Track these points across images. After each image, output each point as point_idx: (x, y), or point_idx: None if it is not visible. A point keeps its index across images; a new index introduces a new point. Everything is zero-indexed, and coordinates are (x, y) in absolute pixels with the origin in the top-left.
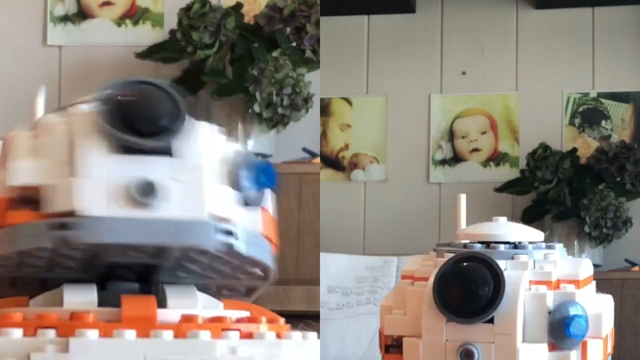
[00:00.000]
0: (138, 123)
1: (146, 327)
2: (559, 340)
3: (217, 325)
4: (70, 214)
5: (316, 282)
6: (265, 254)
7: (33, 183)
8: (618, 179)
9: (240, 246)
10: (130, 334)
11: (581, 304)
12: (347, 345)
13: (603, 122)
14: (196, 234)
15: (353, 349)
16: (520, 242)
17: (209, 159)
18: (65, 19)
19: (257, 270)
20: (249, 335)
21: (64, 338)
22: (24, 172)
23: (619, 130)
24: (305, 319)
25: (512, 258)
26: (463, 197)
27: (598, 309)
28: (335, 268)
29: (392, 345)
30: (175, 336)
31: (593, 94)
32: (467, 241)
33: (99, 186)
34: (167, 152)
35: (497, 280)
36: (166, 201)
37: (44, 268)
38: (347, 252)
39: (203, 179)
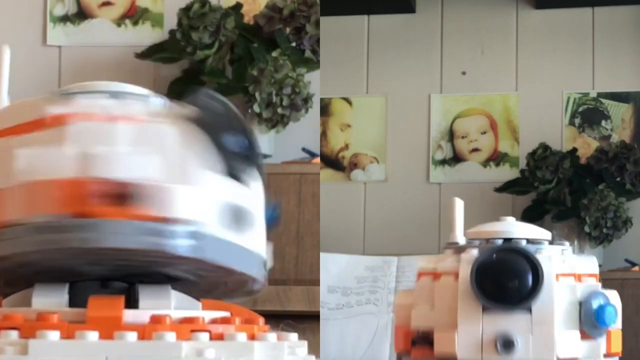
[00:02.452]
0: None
1: (111, 329)
2: (591, 329)
3: (186, 326)
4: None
5: (316, 282)
6: None
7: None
8: (618, 179)
9: None
10: (92, 335)
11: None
12: (347, 345)
13: (603, 122)
14: None
15: (353, 349)
16: (535, 239)
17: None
18: (65, 19)
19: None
20: (219, 337)
21: (25, 339)
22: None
23: (619, 130)
24: (304, 318)
25: (536, 252)
26: (459, 202)
27: (617, 301)
28: (335, 268)
29: (417, 340)
30: (141, 338)
31: (593, 94)
32: (479, 239)
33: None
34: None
35: (535, 270)
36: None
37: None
38: (347, 252)
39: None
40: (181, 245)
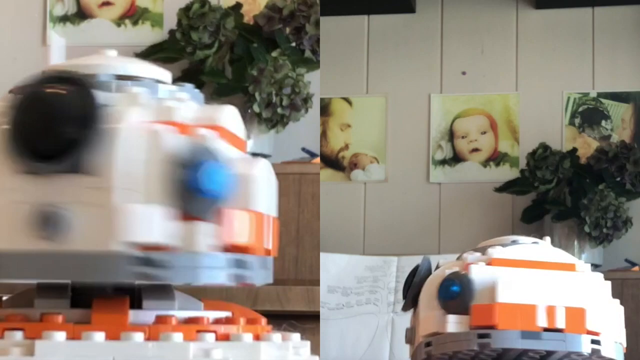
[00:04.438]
0: (34, 144)
1: (117, 329)
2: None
3: (192, 326)
4: None
5: (316, 282)
6: (218, 273)
7: None
8: (618, 179)
9: (165, 275)
10: (99, 335)
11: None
12: (347, 345)
13: (603, 122)
14: (104, 269)
15: (353, 349)
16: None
17: (131, 171)
18: (64, 19)
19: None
20: (225, 337)
21: (30, 340)
22: None
23: (619, 130)
24: (304, 319)
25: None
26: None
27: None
28: (335, 268)
29: None
30: (147, 338)
31: (593, 94)
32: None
33: (1, 216)
34: (78, 168)
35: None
36: (72, 232)
37: None
38: (347, 252)
39: (117, 200)
40: None
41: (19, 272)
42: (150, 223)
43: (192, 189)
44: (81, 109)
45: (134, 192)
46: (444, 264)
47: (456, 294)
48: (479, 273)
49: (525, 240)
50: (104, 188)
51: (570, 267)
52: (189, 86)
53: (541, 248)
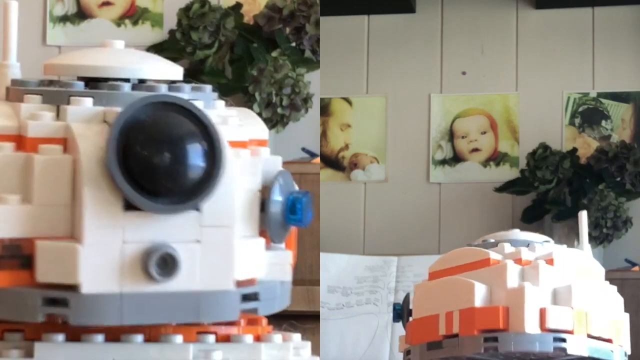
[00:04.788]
0: (155, 183)
1: (117, 330)
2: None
3: (192, 328)
4: (70, 286)
5: (316, 282)
6: (283, 301)
7: (23, 236)
8: (618, 179)
9: (262, 309)
10: (99, 337)
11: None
12: (347, 345)
13: (603, 122)
14: (220, 308)
15: (353, 349)
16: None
17: (240, 202)
18: (64, 19)
19: None
20: (225, 338)
21: (30, 342)
22: (11, 221)
23: (619, 130)
24: (304, 319)
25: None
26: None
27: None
28: (335, 268)
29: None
30: (147, 339)
31: (593, 94)
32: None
33: (109, 256)
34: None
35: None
36: (186, 271)
37: None
38: (347, 252)
39: (231, 238)
40: None
41: (125, 315)
42: (256, 256)
43: (287, 219)
44: (207, 145)
45: (240, 227)
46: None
47: None
48: None
49: (533, 237)
50: (221, 226)
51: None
52: (208, 88)
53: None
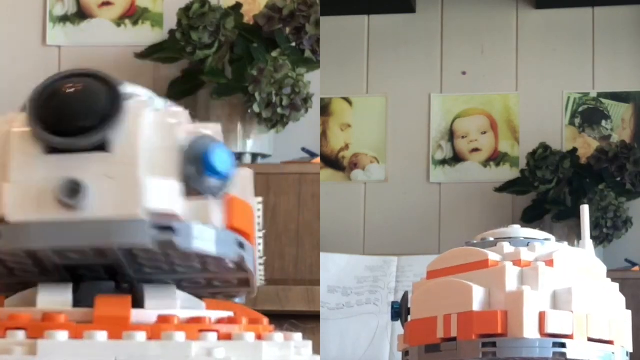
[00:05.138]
0: (61, 122)
1: (119, 328)
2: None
3: (194, 326)
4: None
5: (316, 282)
6: (227, 247)
7: None
8: (618, 179)
9: (182, 242)
10: (101, 335)
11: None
12: (347, 345)
13: (603, 122)
14: (128, 233)
15: (353, 349)
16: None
17: (148, 150)
18: (64, 19)
19: (229, 264)
20: (227, 337)
21: (32, 340)
22: None
23: (619, 130)
24: (304, 319)
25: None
26: (586, 208)
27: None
28: (335, 268)
29: None
30: (149, 337)
31: (593, 94)
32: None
33: (21, 190)
34: (100, 147)
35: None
36: (95, 200)
37: (4, 273)
38: (347, 252)
39: (138, 173)
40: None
41: (47, 240)
42: (168, 194)
43: (204, 169)
44: (109, 92)
45: (154, 170)
46: None
47: None
48: None
49: (533, 234)
50: (128, 164)
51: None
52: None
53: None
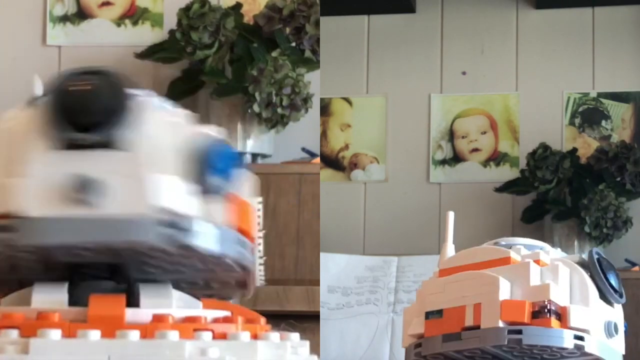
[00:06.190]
0: (75, 116)
1: (113, 327)
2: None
3: (189, 325)
4: (10, 215)
5: (316, 282)
6: (230, 245)
7: None
8: (618, 179)
9: (189, 240)
10: (94, 334)
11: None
12: (347, 345)
13: (603, 122)
14: (137, 230)
15: (353, 349)
16: None
17: (157, 149)
18: (64, 19)
19: (230, 263)
20: (222, 336)
21: (25, 338)
22: None
23: (619, 130)
24: (304, 318)
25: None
26: (451, 215)
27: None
28: (335, 268)
29: None
30: (143, 336)
31: (593, 94)
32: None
33: (37, 185)
34: (111, 144)
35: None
36: (107, 197)
37: (5, 269)
38: (347, 252)
39: (146, 171)
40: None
41: (57, 235)
42: (176, 192)
43: (209, 167)
44: (116, 90)
45: (161, 168)
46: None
47: None
48: None
49: (531, 242)
50: (136, 161)
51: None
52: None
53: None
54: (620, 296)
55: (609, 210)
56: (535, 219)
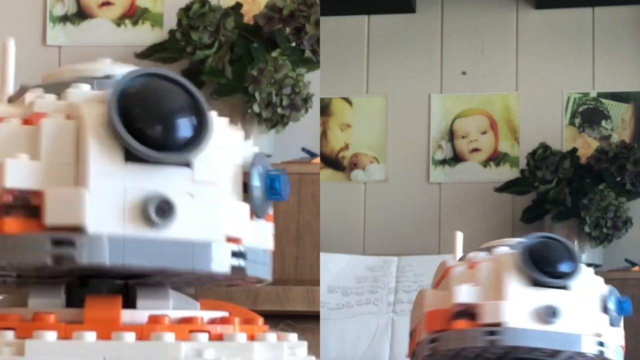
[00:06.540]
0: (153, 132)
1: (109, 329)
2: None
3: (185, 326)
4: (76, 228)
5: (316, 282)
6: (267, 270)
7: (32, 188)
8: (618, 179)
9: (249, 268)
10: (90, 335)
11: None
12: (347, 345)
13: (603, 122)
14: (209, 257)
15: (353, 349)
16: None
17: (225, 170)
18: (64, 19)
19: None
20: (218, 337)
21: (21, 340)
22: (21, 174)
23: (619, 130)
24: (304, 318)
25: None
26: (459, 235)
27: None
28: (335, 268)
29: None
30: (139, 338)
31: (593, 94)
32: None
33: (108, 200)
34: (186, 164)
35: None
36: (180, 220)
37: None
38: (347, 252)
39: (220, 195)
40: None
41: (126, 257)
42: (240, 217)
43: (270, 193)
44: (201, 107)
45: (227, 190)
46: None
47: None
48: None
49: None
50: (209, 183)
51: None
52: None
53: None
54: (559, 277)
55: (609, 210)
56: (535, 219)
